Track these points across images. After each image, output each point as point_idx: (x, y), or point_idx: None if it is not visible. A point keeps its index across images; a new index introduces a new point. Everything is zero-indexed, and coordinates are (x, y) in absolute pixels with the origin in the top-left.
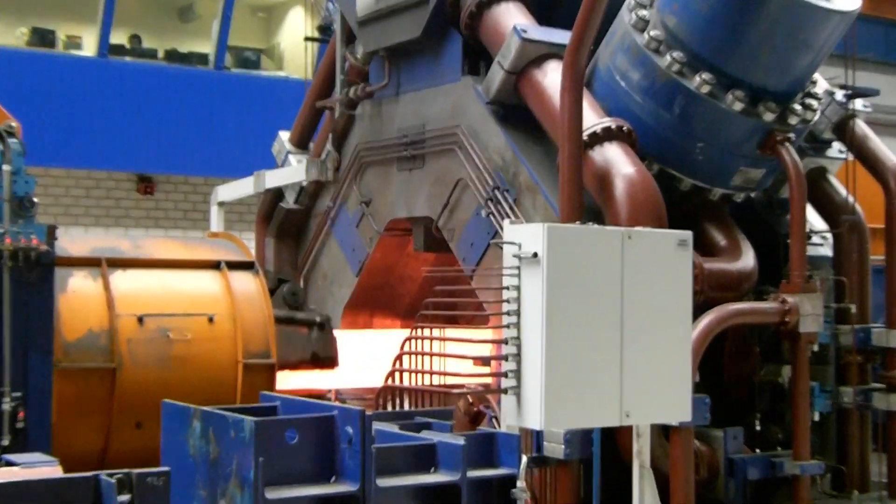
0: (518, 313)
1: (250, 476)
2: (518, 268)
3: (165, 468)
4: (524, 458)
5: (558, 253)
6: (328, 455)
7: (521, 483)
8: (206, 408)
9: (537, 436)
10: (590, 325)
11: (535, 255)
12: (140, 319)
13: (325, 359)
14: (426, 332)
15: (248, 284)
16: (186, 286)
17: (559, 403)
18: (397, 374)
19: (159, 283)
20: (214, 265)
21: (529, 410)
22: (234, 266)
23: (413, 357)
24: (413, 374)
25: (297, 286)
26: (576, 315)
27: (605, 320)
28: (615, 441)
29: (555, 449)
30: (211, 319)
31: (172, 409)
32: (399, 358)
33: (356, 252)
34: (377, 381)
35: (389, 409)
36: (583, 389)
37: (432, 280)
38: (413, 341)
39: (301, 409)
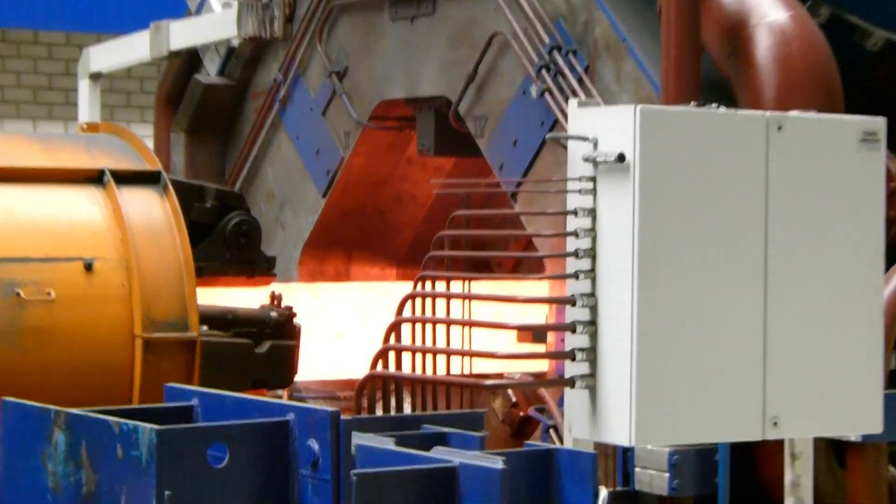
0: (592, 255)
1: None
2: (593, 180)
3: None
4: (602, 494)
5: (660, 154)
6: (278, 487)
7: None
8: (75, 410)
9: (625, 457)
10: (712, 275)
11: (622, 158)
12: None
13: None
14: (439, 287)
15: (150, 209)
16: (46, 213)
17: (661, 404)
18: (391, 356)
19: (2, 208)
20: (93, 177)
21: (611, 415)
22: (127, 178)
23: (417, 328)
24: (418, 356)
25: (254, 220)
26: (688, 258)
27: (738, 267)
28: (753, 466)
29: (654, 479)
30: (89, 267)
31: (19, 412)
32: (394, 329)
33: (322, 157)
34: (358, 368)
35: (379, 411)
36: (700, 381)
37: (448, 202)
38: (417, 302)
39: (234, 411)
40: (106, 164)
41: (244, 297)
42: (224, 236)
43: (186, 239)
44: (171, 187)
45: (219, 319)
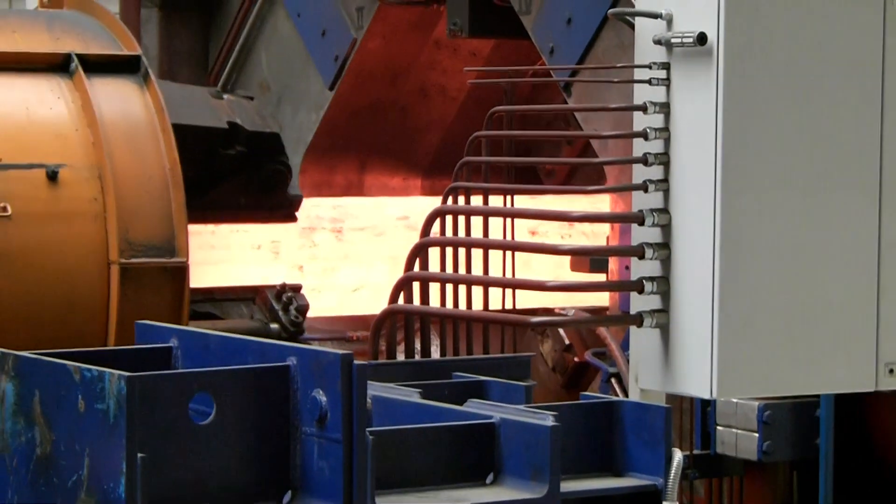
0: (665, 161)
1: (119, 491)
2: (666, 67)
3: None
4: (676, 457)
5: (749, 34)
6: (275, 447)
7: None
8: (26, 353)
9: (704, 413)
10: (814, 186)
11: (703, 39)
12: None
13: None
14: (474, 201)
15: (128, 105)
16: (1, 109)
17: (750, 348)
18: (415, 287)
19: None
20: (57, 64)
21: (688, 361)
22: (99, 66)
23: (447, 252)
24: (448, 287)
25: (288, 168)
26: (784, 164)
27: (847, 174)
28: (864, 426)
29: (740, 440)
30: (53, 176)
31: None
32: (419, 253)
33: (329, 39)
34: (374, 303)
35: (400, 355)
36: (798, 319)
37: (486, 95)
38: (447, 220)
39: (222, 355)
40: (73, 47)
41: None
42: (248, 183)
43: (172, 142)
44: (153, 77)
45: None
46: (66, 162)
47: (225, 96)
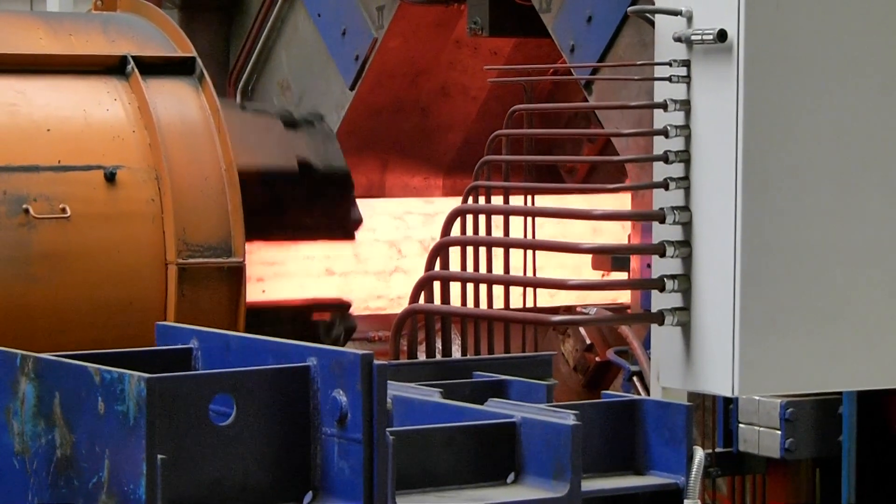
0: (686, 159)
1: (139, 492)
2: (686, 64)
3: None
4: (698, 455)
5: (770, 31)
6: (296, 448)
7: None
8: (47, 355)
9: (726, 411)
10: (837, 182)
11: (723, 35)
12: None
13: (335, 194)
14: (494, 200)
15: (184, 106)
16: (57, 111)
17: (772, 345)
18: (436, 286)
19: (3, 105)
20: (113, 66)
21: (710, 359)
22: (155, 68)
23: (468, 251)
24: (468, 286)
25: (327, 126)
26: (806, 161)
27: (871, 170)
28: (887, 422)
29: (762, 437)
30: (111, 177)
31: None
32: (439, 253)
33: (350, 38)
34: (396, 300)
35: (421, 355)
36: (821, 315)
37: (507, 94)
38: (468, 219)
39: (242, 356)
40: (128, 49)
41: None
42: (312, 210)
43: (228, 142)
44: (207, 78)
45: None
46: (123, 163)
47: (297, 118)
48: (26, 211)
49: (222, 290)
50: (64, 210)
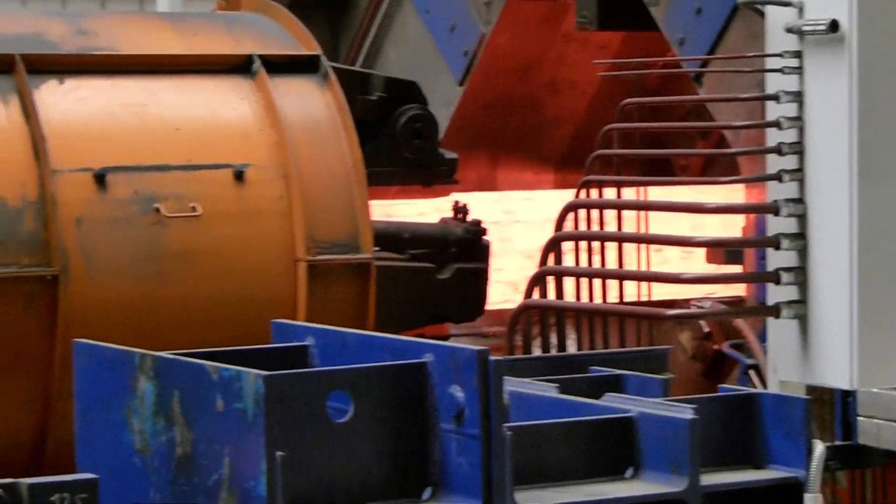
0: (799, 151)
1: (259, 489)
2: (798, 55)
3: (90, 476)
4: (819, 449)
5: (884, 21)
6: (414, 444)
7: (812, 497)
8: (165, 354)
9: (845, 403)
10: None
11: (835, 26)
12: (99, 178)
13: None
14: (607, 194)
15: (310, 104)
16: (186, 111)
17: (891, 338)
18: (550, 281)
19: (132, 106)
20: (239, 66)
21: (827, 351)
22: (281, 66)
23: (582, 246)
24: (583, 281)
25: (430, 113)
26: None
27: None
28: None
29: (882, 430)
30: (240, 176)
31: (97, 357)
32: (553, 248)
33: (458, 34)
34: (510, 297)
35: (536, 349)
36: None
37: (616, 88)
38: (581, 214)
39: (358, 352)
40: (254, 48)
41: (420, 211)
42: (394, 135)
43: (355, 139)
44: (333, 76)
45: (392, 238)
46: (251, 162)
47: None
48: (157, 210)
49: (351, 287)
50: (194, 209)
